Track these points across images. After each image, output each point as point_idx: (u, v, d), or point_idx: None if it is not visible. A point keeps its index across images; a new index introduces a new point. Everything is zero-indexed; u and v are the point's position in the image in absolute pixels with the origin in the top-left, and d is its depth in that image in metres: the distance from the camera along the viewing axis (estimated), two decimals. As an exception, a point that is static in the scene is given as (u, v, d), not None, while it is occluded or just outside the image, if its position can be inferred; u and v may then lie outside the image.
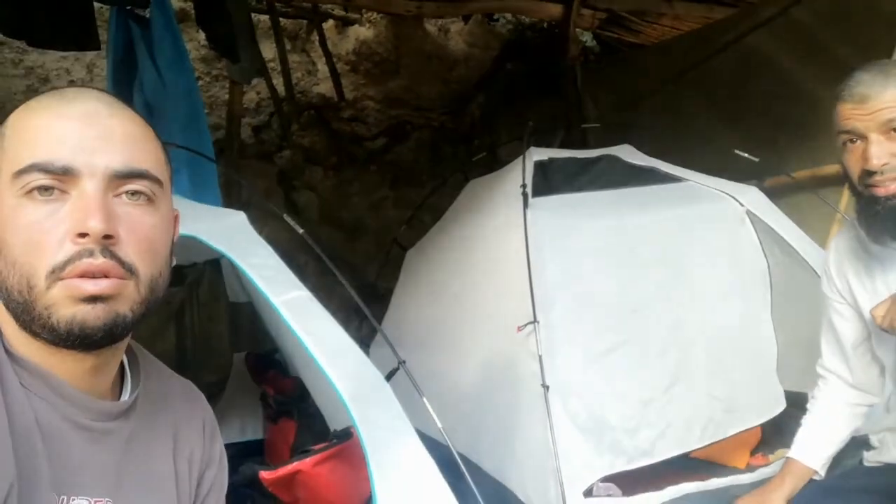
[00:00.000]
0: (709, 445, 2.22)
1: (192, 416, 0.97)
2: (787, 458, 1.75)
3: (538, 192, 2.54)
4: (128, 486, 0.83)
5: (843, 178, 1.49)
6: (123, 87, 3.08)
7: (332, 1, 4.88)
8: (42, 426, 0.75)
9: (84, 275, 0.73)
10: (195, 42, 5.82)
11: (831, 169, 2.85)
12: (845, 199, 2.86)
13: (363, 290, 4.28)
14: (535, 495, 2.01)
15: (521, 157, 2.72)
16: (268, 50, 5.81)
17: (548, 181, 2.66)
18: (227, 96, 4.48)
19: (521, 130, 2.96)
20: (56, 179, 0.74)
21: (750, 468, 2.23)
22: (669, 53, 4.70)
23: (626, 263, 2.36)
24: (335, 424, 1.95)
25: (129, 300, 0.77)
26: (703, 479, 2.07)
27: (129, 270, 0.76)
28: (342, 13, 6.56)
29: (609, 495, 2.02)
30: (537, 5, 4.81)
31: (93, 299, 0.74)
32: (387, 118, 6.46)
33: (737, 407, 2.28)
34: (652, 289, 2.34)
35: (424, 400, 1.88)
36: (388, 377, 1.81)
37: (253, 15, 4.42)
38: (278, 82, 5.92)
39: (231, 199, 3.51)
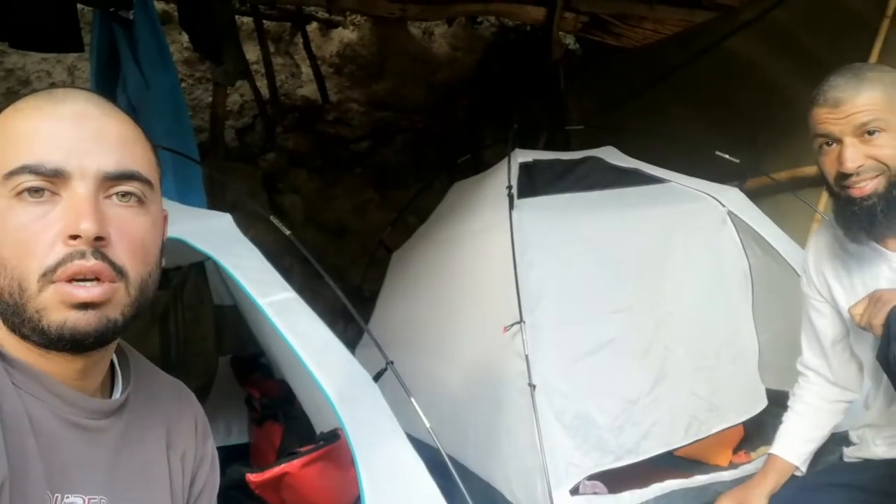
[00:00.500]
0: (692, 443, 2.25)
1: (184, 415, 0.98)
2: (769, 454, 1.77)
3: (523, 193, 2.56)
4: (121, 484, 0.83)
5: (821, 179, 1.51)
6: (107, 88, 3.07)
7: (316, 3, 4.87)
8: (34, 424, 0.75)
9: (75, 276, 0.73)
10: (178, 44, 5.78)
11: (810, 170, 2.90)
12: (824, 199, 2.91)
13: (348, 292, 4.28)
14: (521, 494, 2.02)
15: (505, 158, 2.73)
16: (251, 52, 5.78)
17: (533, 182, 2.68)
18: (210, 99, 4.46)
19: (506, 132, 2.97)
20: (47, 181, 0.74)
21: (732, 465, 2.26)
22: (651, 56, 4.75)
23: (610, 264, 2.38)
24: (321, 427, 1.95)
25: (119, 304, 0.77)
26: (686, 477, 2.09)
27: (120, 272, 0.76)
28: (326, 15, 6.55)
29: (595, 493, 2.03)
30: (520, 8, 4.84)
31: (84, 306, 0.74)
32: (371, 121, 6.45)
33: (719, 405, 2.30)
34: (636, 289, 2.36)
35: (413, 400, 1.89)
36: (376, 378, 1.81)
37: (236, 17, 4.40)
38: (262, 85, 5.90)
39: (216, 201, 3.49)
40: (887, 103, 1.37)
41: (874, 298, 1.38)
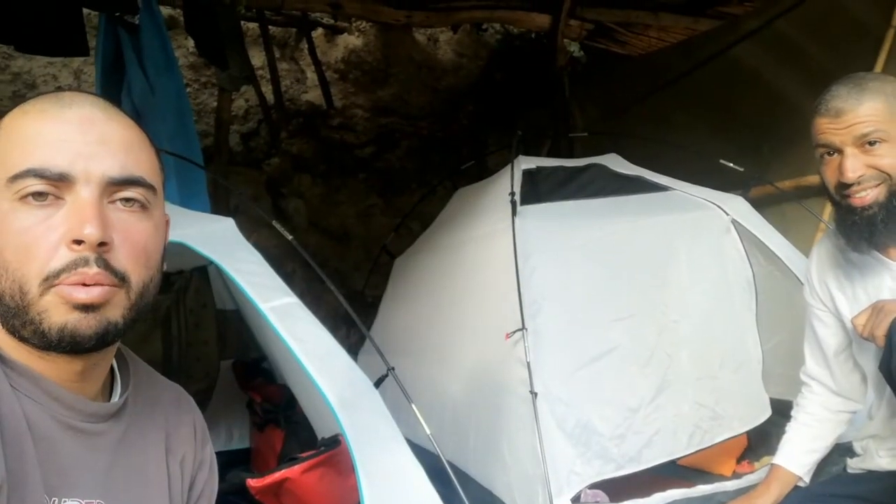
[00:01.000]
0: (695, 453, 2.23)
1: (182, 419, 0.97)
2: (772, 464, 1.77)
3: (526, 200, 2.56)
4: (119, 488, 0.83)
5: (823, 189, 1.51)
6: (112, 93, 3.07)
7: (322, 9, 4.89)
8: (32, 428, 0.75)
9: (77, 284, 0.73)
10: (184, 49, 5.81)
11: (815, 178, 2.87)
12: (829, 208, 2.90)
13: (351, 297, 4.29)
14: (522, 502, 2.01)
15: (509, 165, 2.73)
16: (257, 58, 5.81)
17: (536, 189, 2.68)
18: (215, 103, 4.47)
19: (510, 139, 2.98)
20: (51, 185, 0.74)
21: (736, 475, 2.25)
22: (656, 64, 4.75)
23: (613, 271, 2.37)
24: (323, 432, 1.95)
25: (120, 307, 0.77)
26: (689, 486, 2.08)
27: (122, 279, 0.77)
28: (331, 21, 6.57)
29: (597, 502, 2.02)
30: (525, 16, 4.85)
31: (84, 308, 0.74)
32: (375, 126, 6.47)
33: (723, 414, 2.29)
34: (639, 296, 2.35)
35: (413, 406, 1.88)
36: (377, 384, 1.81)
37: (242, 22, 4.42)
38: (267, 90, 5.92)
39: (219, 205, 3.50)
40: (888, 113, 1.37)
41: (876, 309, 1.37)
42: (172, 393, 0.99)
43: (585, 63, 6.08)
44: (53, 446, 0.77)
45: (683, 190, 2.72)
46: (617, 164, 2.90)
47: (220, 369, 2.94)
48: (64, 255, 0.73)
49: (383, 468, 1.58)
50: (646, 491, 2.01)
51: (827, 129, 1.41)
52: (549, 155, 4.56)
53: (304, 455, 1.81)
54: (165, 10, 4.17)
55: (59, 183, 0.74)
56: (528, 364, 2.05)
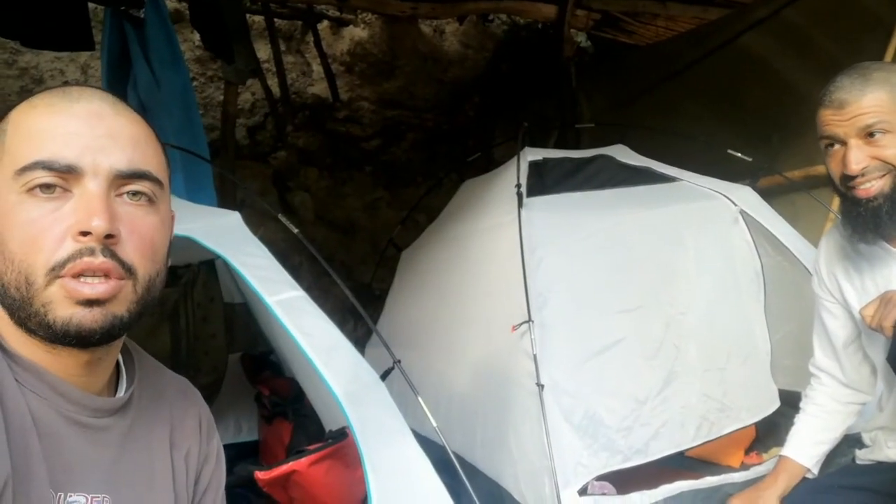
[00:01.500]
0: (703, 444, 2.23)
1: (188, 413, 0.98)
2: (781, 456, 1.76)
3: (533, 191, 2.55)
4: (125, 482, 0.83)
5: (829, 180, 1.50)
6: (118, 87, 3.08)
7: (327, 1, 4.88)
8: (38, 423, 0.75)
9: (83, 273, 0.74)
10: (190, 43, 5.81)
11: (824, 168, 2.84)
12: (837, 198, 2.87)
13: (358, 290, 4.30)
14: (529, 494, 2.01)
15: (515, 156, 2.72)
16: (262, 51, 5.80)
17: (542, 181, 2.67)
18: (221, 97, 4.48)
19: (516, 130, 2.96)
20: (59, 177, 0.74)
21: (744, 466, 2.24)
22: (663, 54, 4.71)
23: (620, 263, 2.36)
24: (331, 425, 1.95)
25: (126, 301, 0.77)
26: (697, 478, 2.07)
27: (129, 271, 0.77)
28: (337, 14, 6.56)
29: (604, 494, 2.02)
30: (532, 6, 4.83)
31: (90, 303, 0.74)
32: (381, 119, 6.46)
33: (731, 406, 2.28)
34: (646, 288, 2.34)
35: (420, 399, 1.88)
36: (384, 377, 1.81)
37: (247, 16, 4.42)
38: (273, 83, 5.92)
39: (226, 199, 3.51)
40: (893, 104, 1.35)
41: (885, 299, 1.36)
42: (178, 386, 0.99)
43: (592, 53, 6.05)
44: (58, 441, 0.77)
45: (691, 180, 2.70)
46: (624, 154, 2.88)
47: (229, 363, 2.95)
48: (70, 246, 0.73)
49: (390, 461, 1.59)
50: (653, 483, 2.01)
51: (831, 120, 1.40)
52: (556, 146, 4.55)
53: (311, 448, 1.82)
54: (171, 4, 4.17)
55: (66, 175, 0.74)
56: (535, 356, 2.05)
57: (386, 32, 6.70)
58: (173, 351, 2.80)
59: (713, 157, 2.91)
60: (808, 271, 2.01)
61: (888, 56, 3.11)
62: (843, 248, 1.59)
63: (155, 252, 0.81)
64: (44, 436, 0.75)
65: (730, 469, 2.22)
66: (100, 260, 0.74)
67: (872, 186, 1.39)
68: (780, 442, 1.81)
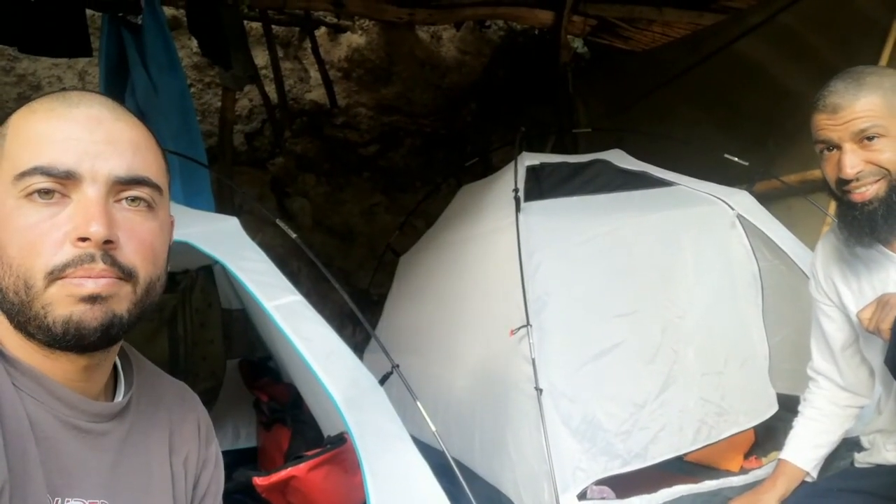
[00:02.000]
0: (702, 448, 2.23)
1: (186, 418, 0.98)
2: (779, 459, 1.76)
3: (530, 196, 2.56)
4: (123, 488, 0.83)
5: (824, 184, 1.51)
6: (116, 93, 3.08)
7: (325, 8, 4.89)
8: (35, 427, 0.75)
9: (83, 278, 0.74)
10: (187, 49, 5.82)
11: (820, 172, 2.86)
12: (834, 202, 2.88)
13: (356, 296, 4.29)
14: (528, 499, 2.01)
15: (512, 162, 2.73)
16: (260, 57, 5.81)
17: (540, 186, 2.67)
18: (219, 103, 4.48)
19: (513, 136, 2.97)
20: (58, 183, 0.74)
21: (743, 471, 2.24)
22: (660, 59, 4.73)
23: (617, 267, 2.37)
24: (329, 431, 1.95)
25: (126, 301, 0.77)
26: (696, 482, 2.07)
27: (129, 274, 0.77)
28: (334, 20, 6.57)
29: (603, 498, 2.02)
30: (529, 12, 4.84)
31: (91, 299, 0.74)
32: (379, 125, 6.47)
33: (729, 410, 2.28)
34: (644, 292, 2.35)
35: (418, 404, 1.88)
36: (382, 381, 1.81)
37: (245, 22, 4.42)
38: (271, 89, 5.92)
39: (224, 205, 3.51)
40: (887, 108, 1.36)
41: (882, 302, 1.37)
42: (176, 391, 0.99)
43: (589, 59, 6.06)
44: (56, 446, 0.77)
45: (688, 185, 2.71)
46: (621, 159, 2.89)
47: (227, 368, 2.95)
48: (68, 252, 0.73)
49: (389, 466, 1.58)
50: (652, 487, 2.01)
51: (825, 125, 1.41)
52: (554, 151, 4.55)
53: (309, 453, 1.82)
54: (168, 11, 4.17)
55: (65, 181, 0.74)
56: (533, 360, 2.05)
57: (383, 39, 6.71)
58: (171, 357, 2.79)
59: (710, 161, 2.92)
60: (806, 275, 2.02)
61: (883, 59, 3.13)
62: (840, 251, 1.60)
63: (156, 256, 0.81)
64: (41, 440, 0.75)
65: (729, 473, 2.22)
66: (100, 266, 0.74)
67: (868, 190, 1.39)
68: (779, 446, 1.82)
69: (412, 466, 1.61)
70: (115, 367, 0.89)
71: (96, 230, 0.73)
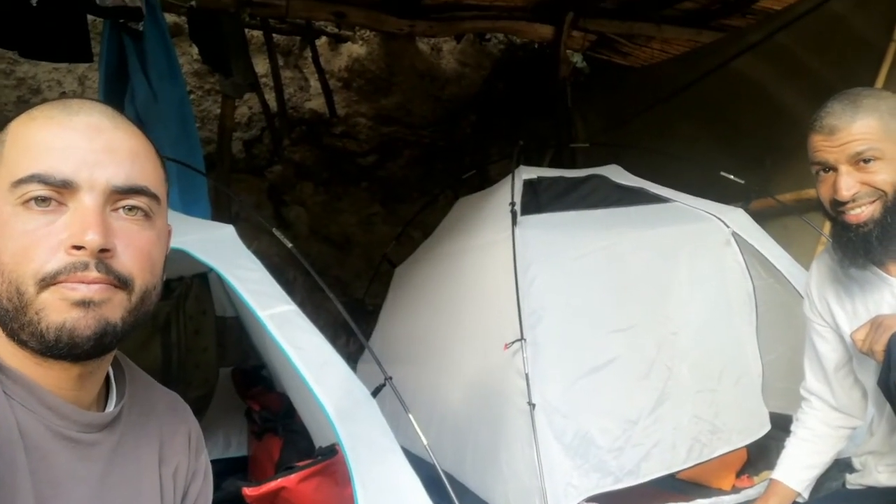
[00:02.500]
0: (694, 466, 2.22)
1: (177, 429, 0.97)
2: (771, 479, 1.76)
3: (527, 210, 2.56)
4: (111, 499, 0.82)
5: (819, 204, 1.51)
6: (115, 99, 3.08)
7: (326, 18, 4.91)
8: (25, 436, 0.75)
9: (77, 283, 0.73)
10: (188, 56, 5.83)
11: (815, 192, 2.88)
12: (828, 222, 2.89)
13: (352, 305, 4.29)
14: (520, 514, 2.01)
15: (510, 175, 2.73)
16: (260, 65, 5.82)
17: (537, 199, 2.68)
18: (218, 110, 4.49)
19: (512, 149, 2.98)
20: (55, 191, 0.74)
21: (735, 490, 2.24)
22: (658, 75, 4.76)
23: (613, 283, 2.37)
24: (321, 441, 1.94)
25: (120, 308, 0.77)
26: (688, 500, 2.07)
27: (125, 282, 0.77)
28: (335, 30, 6.59)
29: (594, 515, 2.01)
30: (528, 26, 4.86)
31: (84, 304, 0.73)
32: (378, 135, 6.48)
33: (722, 428, 2.28)
34: (639, 308, 2.35)
35: (410, 416, 1.88)
36: (375, 393, 1.80)
37: (246, 30, 4.44)
38: (270, 97, 5.93)
39: (221, 212, 3.51)
40: (883, 131, 1.37)
41: (875, 324, 1.37)
42: (168, 401, 0.99)
43: (588, 74, 6.09)
44: (45, 456, 0.76)
45: (684, 202, 2.72)
46: (618, 175, 2.90)
47: (220, 376, 2.93)
48: (62, 258, 0.73)
49: (379, 479, 1.58)
50: (644, 504, 2.01)
51: (822, 146, 1.41)
52: (551, 165, 4.56)
53: (300, 464, 1.80)
54: (170, 18, 4.19)
55: (62, 189, 0.74)
56: (527, 375, 2.05)
57: (384, 49, 6.74)
58: (164, 364, 2.77)
59: (706, 178, 2.93)
60: (800, 294, 2.02)
61: (880, 80, 3.15)
62: (835, 272, 1.60)
63: (153, 265, 0.80)
64: (31, 450, 0.74)
65: (721, 492, 2.22)
66: (94, 274, 0.73)
67: (863, 212, 1.40)
68: (771, 465, 1.81)
69: (403, 480, 1.60)
70: (107, 376, 0.88)
71: (92, 238, 0.73)
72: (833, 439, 1.73)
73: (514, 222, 2.43)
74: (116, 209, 0.77)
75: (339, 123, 6.46)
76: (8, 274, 0.73)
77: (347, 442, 1.59)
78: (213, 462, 1.03)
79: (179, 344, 2.83)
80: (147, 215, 0.80)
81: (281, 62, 6.19)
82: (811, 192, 3.04)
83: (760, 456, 2.35)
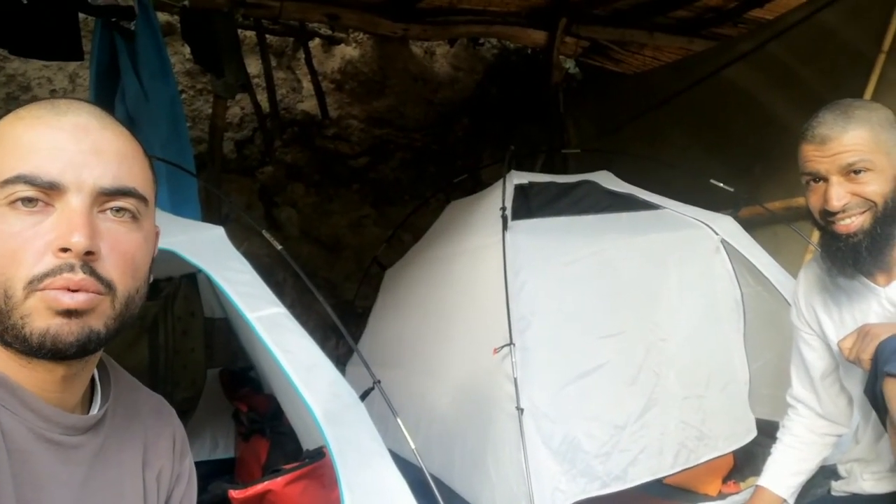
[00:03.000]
0: (681, 472, 2.23)
1: (162, 432, 0.96)
2: (757, 486, 1.77)
3: (518, 214, 2.56)
4: (94, 502, 0.82)
5: (808, 213, 1.52)
6: (106, 97, 3.07)
7: (319, 20, 4.91)
8: (7, 439, 0.74)
9: (62, 289, 0.73)
10: (180, 56, 5.81)
11: (804, 200, 2.90)
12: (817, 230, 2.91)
13: (341, 308, 4.28)
14: (507, 519, 2.00)
15: (501, 179, 2.74)
16: (253, 66, 5.81)
17: (528, 204, 2.68)
18: (210, 110, 4.46)
19: (503, 153, 2.99)
20: (41, 192, 0.74)
21: (721, 495, 2.25)
22: (650, 83, 4.79)
23: (602, 288, 2.38)
24: (308, 444, 1.93)
25: (103, 315, 0.76)
26: (674, 506, 2.08)
27: (108, 287, 0.76)
28: (329, 32, 6.59)
29: (581, 520, 2.02)
30: (522, 31, 4.88)
31: (68, 313, 0.73)
32: (370, 137, 6.47)
33: (709, 434, 2.29)
34: (627, 314, 2.36)
35: (398, 420, 1.87)
36: (363, 397, 1.80)
37: (239, 31, 4.43)
38: (263, 98, 5.91)
39: (211, 213, 3.49)
40: (874, 143, 1.38)
41: (862, 332, 1.38)
42: (153, 404, 0.98)
43: (580, 80, 6.12)
44: (28, 459, 0.76)
45: (674, 209, 2.73)
46: (609, 181, 2.91)
47: (207, 378, 2.92)
48: (49, 261, 0.72)
49: (366, 482, 1.57)
50: (631, 510, 2.01)
51: (813, 156, 1.42)
52: (543, 170, 4.58)
53: (287, 467, 1.79)
54: (162, 17, 4.18)
55: (49, 190, 0.74)
56: (515, 379, 2.05)
57: (377, 52, 6.74)
58: (151, 364, 2.76)
59: (696, 185, 2.95)
60: (788, 302, 2.03)
61: (869, 90, 3.18)
62: (822, 280, 1.61)
63: (136, 269, 0.80)
64: (12, 452, 0.74)
65: (707, 498, 2.23)
66: (79, 276, 0.73)
67: (853, 222, 1.41)
68: (758, 471, 1.82)
69: (390, 483, 1.60)
70: (92, 378, 0.88)
71: (78, 241, 0.72)
72: (819, 446, 1.74)
73: (504, 227, 2.43)
74: (104, 210, 0.77)
75: (331, 125, 6.45)
76: None
77: (335, 445, 1.58)
78: (200, 464, 1.03)
79: (167, 345, 2.81)
80: (135, 217, 0.80)
81: (274, 63, 6.18)
82: (800, 201, 3.08)
83: (747, 462, 2.36)
